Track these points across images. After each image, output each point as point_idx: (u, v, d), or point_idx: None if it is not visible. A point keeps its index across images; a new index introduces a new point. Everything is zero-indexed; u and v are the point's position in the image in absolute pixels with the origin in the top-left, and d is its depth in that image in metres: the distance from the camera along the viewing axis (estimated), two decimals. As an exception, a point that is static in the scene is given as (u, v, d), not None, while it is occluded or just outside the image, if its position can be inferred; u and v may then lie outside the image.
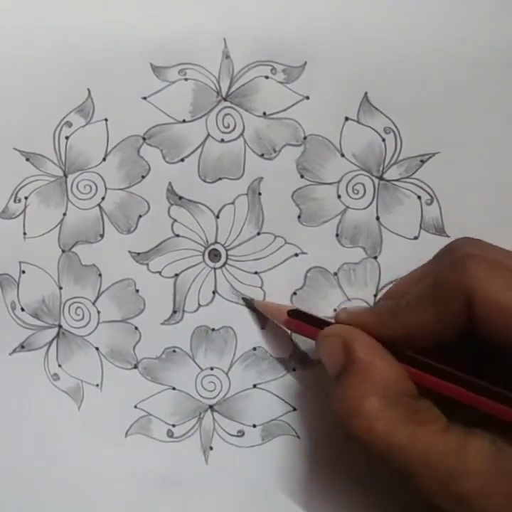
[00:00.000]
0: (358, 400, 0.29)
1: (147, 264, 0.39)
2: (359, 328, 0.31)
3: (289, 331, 0.38)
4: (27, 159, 0.38)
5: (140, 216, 0.38)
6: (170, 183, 0.38)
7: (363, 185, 0.38)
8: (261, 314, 0.38)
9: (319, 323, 0.34)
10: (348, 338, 0.31)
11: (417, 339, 0.30)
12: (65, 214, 0.39)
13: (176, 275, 0.39)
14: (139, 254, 0.39)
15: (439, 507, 0.28)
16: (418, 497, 0.28)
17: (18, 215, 0.39)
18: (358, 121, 0.38)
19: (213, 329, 0.39)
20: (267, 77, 0.38)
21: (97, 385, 0.39)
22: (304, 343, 0.38)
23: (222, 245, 0.38)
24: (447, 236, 0.37)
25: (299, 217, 0.38)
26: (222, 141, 0.38)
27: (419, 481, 0.28)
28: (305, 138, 0.38)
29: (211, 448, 0.39)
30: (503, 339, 0.27)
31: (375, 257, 0.38)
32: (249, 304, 0.39)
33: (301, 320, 0.35)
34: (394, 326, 0.30)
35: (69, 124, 0.38)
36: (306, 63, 0.37)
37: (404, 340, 0.30)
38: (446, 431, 0.28)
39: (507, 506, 0.27)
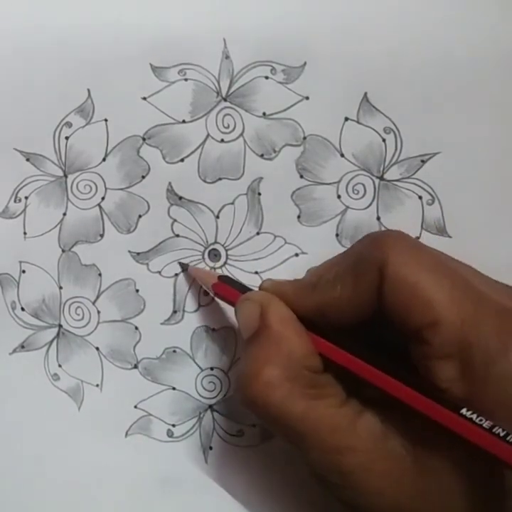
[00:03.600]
0: (260, 365, 0.29)
1: (147, 264, 0.39)
2: (278, 298, 0.31)
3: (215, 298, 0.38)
4: (27, 159, 0.38)
5: (140, 216, 0.38)
6: (170, 183, 0.38)
7: (363, 185, 0.38)
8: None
9: (244, 290, 0.34)
10: (265, 304, 0.31)
11: (331, 314, 0.30)
12: (65, 214, 0.39)
13: (176, 275, 0.39)
14: (138, 254, 0.39)
15: (325, 481, 0.28)
16: (309, 469, 0.29)
17: (19, 215, 0.39)
18: (357, 122, 0.38)
19: (213, 329, 0.39)
20: (266, 78, 0.38)
21: (97, 385, 0.39)
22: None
23: (222, 245, 0.38)
24: (449, 236, 0.37)
25: (298, 217, 0.38)
26: (222, 141, 0.38)
27: (309, 454, 0.28)
28: (305, 138, 0.38)
29: (211, 448, 0.39)
30: (404, 322, 0.27)
31: (375, 257, 0.38)
32: (184, 267, 0.39)
33: (228, 285, 0.35)
34: (311, 299, 0.30)
35: (69, 125, 0.38)
36: (305, 63, 0.37)
37: (319, 314, 0.30)
38: (340, 406, 0.28)
39: (387, 483, 0.27)
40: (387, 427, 0.28)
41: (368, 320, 0.29)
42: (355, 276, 0.29)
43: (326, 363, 0.30)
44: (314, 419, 0.28)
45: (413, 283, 0.27)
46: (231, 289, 0.35)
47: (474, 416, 0.26)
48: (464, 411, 0.26)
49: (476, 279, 0.29)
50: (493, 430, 0.25)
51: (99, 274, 0.39)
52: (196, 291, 0.39)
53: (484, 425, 0.25)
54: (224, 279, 0.36)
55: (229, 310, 0.39)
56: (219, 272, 0.38)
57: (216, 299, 0.38)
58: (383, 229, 0.38)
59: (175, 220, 0.38)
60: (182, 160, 0.38)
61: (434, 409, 0.26)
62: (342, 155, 0.38)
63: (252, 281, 0.38)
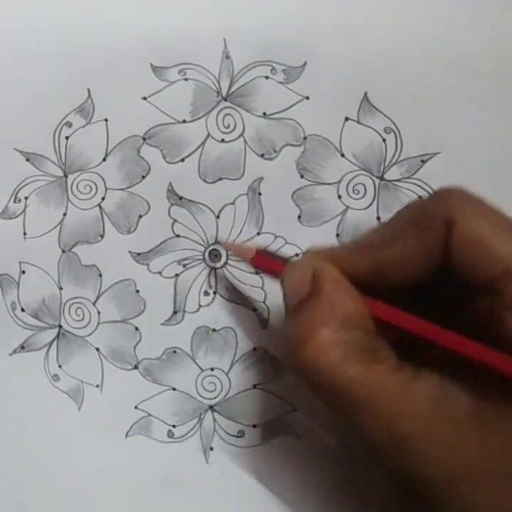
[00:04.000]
0: (314, 327, 0.28)
1: (147, 265, 0.39)
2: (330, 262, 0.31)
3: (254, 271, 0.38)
4: (27, 159, 0.38)
5: (140, 216, 0.38)
6: (170, 183, 0.38)
7: (364, 185, 0.38)
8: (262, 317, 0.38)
9: (285, 260, 0.33)
10: (319, 268, 0.30)
11: (391, 273, 0.29)
12: (65, 214, 0.39)
13: (177, 275, 0.39)
14: (139, 254, 0.39)
15: (379, 449, 0.27)
16: (358, 437, 0.28)
17: (18, 215, 0.39)
18: (358, 122, 0.38)
19: (214, 330, 0.39)
20: (267, 78, 0.38)
21: (98, 386, 0.39)
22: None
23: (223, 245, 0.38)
24: None
25: (299, 217, 0.38)
26: (223, 141, 0.38)
27: (360, 420, 0.27)
28: (305, 138, 0.38)
29: (211, 448, 0.39)
30: (473, 275, 0.27)
31: (376, 257, 0.38)
32: (216, 240, 0.38)
33: (269, 256, 0.34)
34: (368, 259, 0.30)
35: (69, 124, 0.38)
36: (306, 63, 0.37)
37: (376, 275, 0.30)
38: (395, 371, 0.28)
39: (445, 450, 0.26)
40: (445, 391, 0.27)
41: (426, 279, 0.29)
42: (420, 232, 0.28)
43: (379, 329, 0.29)
44: (370, 384, 0.27)
45: (483, 235, 0.27)
46: (273, 260, 0.34)
47: None
48: None
49: None
50: None
51: (100, 275, 0.39)
52: (197, 291, 0.39)
53: None
54: (263, 252, 0.35)
55: (230, 310, 0.39)
56: (253, 245, 0.37)
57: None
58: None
59: (175, 220, 0.38)
60: (182, 160, 0.38)
61: (505, 361, 0.26)
62: (342, 155, 0.38)
63: (253, 282, 0.38)
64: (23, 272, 0.39)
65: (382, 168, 0.38)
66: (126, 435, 0.39)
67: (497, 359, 0.26)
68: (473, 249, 0.27)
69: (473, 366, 0.27)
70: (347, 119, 0.38)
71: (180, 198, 0.38)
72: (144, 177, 0.38)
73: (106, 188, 0.38)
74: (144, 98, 0.38)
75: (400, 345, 0.29)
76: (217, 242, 0.38)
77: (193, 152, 0.38)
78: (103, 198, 0.38)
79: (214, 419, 0.39)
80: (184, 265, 0.39)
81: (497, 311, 0.27)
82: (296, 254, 0.38)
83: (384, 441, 0.27)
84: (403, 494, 0.30)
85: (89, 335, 0.39)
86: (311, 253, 0.32)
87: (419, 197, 0.38)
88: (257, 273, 0.38)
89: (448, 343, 0.27)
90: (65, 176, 0.38)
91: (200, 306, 0.39)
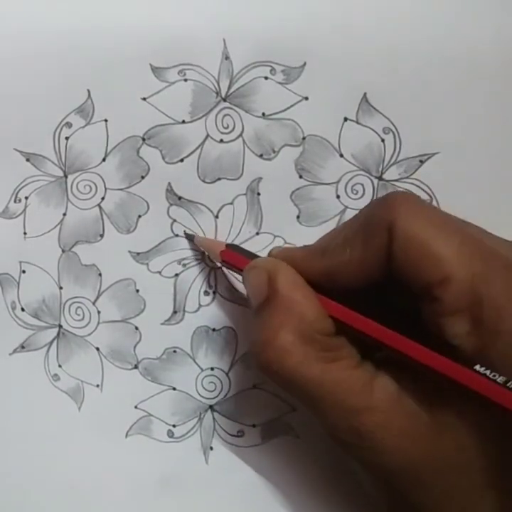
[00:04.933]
0: (273, 331, 0.29)
1: (147, 264, 0.39)
2: (286, 264, 0.31)
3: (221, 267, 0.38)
4: (27, 159, 0.38)
5: (140, 216, 0.39)
6: (169, 183, 0.38)
7: (363, 185, 0.38)
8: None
9: (252, 257, 0.34)
10: (274, 270, 0.30)
11: (341, 278, 0.30)
12: (65, 214, 0.39)
13: (176, 275, 0.39)
14: (138, 254, 0.39)
15: (344, 442, 0.28)
16: (326, 432, 0.29)
17: (19, 215, 0.39)
18: (357, 122, 0.38)
19: (214, 329, 0.39)
20: (266, 78, 0.38)
21: (98, 386, 0.39)
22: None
23: (222, 245, 0.39)
24: None
25: (297, 217, 0.38)
26: (222, 141, 0.38)
27: (325, 416, 0.28)
28: (304, 138, 0.38)
29: (211, 448, 0.39)
30: (414, 280, 0.27)
31: (375, 257, 0.38)
32: (189, 237, 0.38)
33: (236, 252, 0.35)
34: (321, 263, 0.30)
35: (69, 125, 0.38)
36: (305, 64, 0.37)
37: (329, 279, 0.30)
38: (355, 368, 0.29)
39: (404, 442, 0.27)
40: (401, 386, 0.28)
41: (377, 282, 0.29)
42: (364, 238, 0.29)
43: (337, 327, 0.30)
44: (330, 381, 0.28)
45: (422, 240, 0.27)
46: (239, 256, 0.34)
47: (488, 372, 0.26)
48: (477, 367, 0.26)
49: (484, 236, 0.29)
50: (508, 385, 0.25)
51: (99, 274, 0.39)
52: (196, 291, 0.39)
53: (498, 380, 0.26)
54: (232, 247, 0.35)
55: (230, 310, 0.39)
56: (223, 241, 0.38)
57: (224, 270, 0.38)
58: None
59: (174, 220, 0.38)
60: (181, 160, 0.38)
61: (448, 366, 0.27)
62: (341, 155, 0.38)
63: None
64: (24, 272, 0.39)
65: (380, 169, 0.38)
66: (126, 435, 0.39)
67: (440, 363, 0.27)
68: (413, 254, 0.27)
69: (421, 368, 0.27)
70: (346, 119, 0.38)
71: (180, 198, 0.38)
72: (143, 177, 0.38)
73: (105, 188, 0.38)
74: (144, 99, 0.38)
75: (360, 343, 0.30)
76: (189, 235, 0.38)
77: (192, 152, 0.38)
78: (103, 198, 0.39)
79: (214, 419, 0.39)
80: (184, 265, 0.39)
81: (436, 317, 0.27)
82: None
83: (348, 435, 0.28)
84: (371, 485, 0.31)
85: (89, 334, 0.39)
86: (270, 254, 0.34)
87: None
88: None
89: (396, 346, 0.28)
90: (65, 176, 0.38)
91: (200, 305, 0.39)
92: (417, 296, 0.28)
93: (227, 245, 0.35)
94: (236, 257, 0.34)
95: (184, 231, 0.39)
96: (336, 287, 0.30)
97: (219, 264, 0.38)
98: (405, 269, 0.28)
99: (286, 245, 0.34)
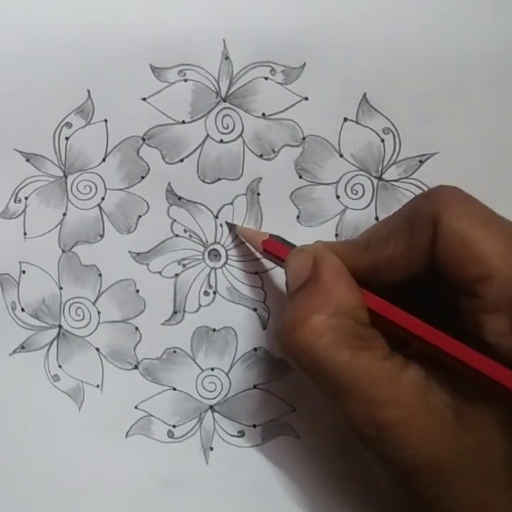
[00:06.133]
0: (308, 312, 0.29)
1: (147, 265, 0.39)
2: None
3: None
4: (27, 160, 0.38)
5: (140, 216, 0.39)
6: (169, 183, 0.38)
7: (362, 185, 0.38)
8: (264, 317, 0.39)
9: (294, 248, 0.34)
10: (320, 255, 0.31)
11: (384, 272, 0.30)
12: (65, 214, 0.39)
13: (176, 275, 0.39)
14: (138, 254, 0.39)
15: (363, 434, 0.28)
16: (345, 422, 0.29)
17: (19, 216, 0.39)
18: (356, 122, 0.38)
19: (214, 330, 0.39)
20: (266, 78, 0.38)
21: (98, 386, 0.39)
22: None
23: (222, 245, 0.38)
24: None
25: (297, 217, 0.38)
26: (222, 141, 0.38)
27: (347, 404, 0.28)
28: (304, 138, 0.38)
29: (211, 448, 0.39)
30: (456, 276, 0.28)
31: (375, 257, 0.38)
32: (231, 226, 0.38)
33: (279, 242, 0.35)
34: (364, 258, 0.30)
35: (69, 125, 0.38)
36: (305, 64, 0.37)
37: (372, 273, 0.30)
38: (384, 359, 0.28)
39: (425, 438, 0.27)
40: (429, 382, 0.28)
41: (419, 277, 0.29)
42: (409, 232, 0.29)
43: (372, 320, 0.30)
44: (357, 369, 0.28)
45: (466, 236, 0.27)
46: (282, 246, 0.34)
47: None
48: None
49: None
50: None
51: (100, 275, 0.39)
52: (196, 291, 0.39)
53: None
54: (275, 237, 0.35)
55: (230, 310, 0.39)
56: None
57: (263, 257, 0.38)
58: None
59: (174, 221, 0.38)
60: (181, 160, 0.38)
61: (483, 362, 0.27)
62: (341, 155, 0.38)
63: (253, 282, 0.38)
64: (24, 272, 0.39)
65: (380, 169, 0.38)
66: (127, 435, 0.40)
67: (476, 360, 0.27)
68: (457, 249, 0.27)
69: (453, 364, 0.27)
70: (346, 119, 0.38)
71: (180, 198, 0.38)
72: (143, 177, 0.38)
73: (105, 189, 0.38)
74: (144, 99, 0.38)
75: (391, 336, 0.30)
76: (230, 225, 0.38)
77: (192, 152, 0.38)
78: (103, 198, 0.39)
79: (214, 419, 0.39)
80: (184, 265, 0.39)
81: (476, 314, 0.27)
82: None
83: (369, 426, 0.28)
84: (388, 480, 0.30)
85: (90, 335, 0.39)
86: (317, 242, 0.33)
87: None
88: (256, 272, 0.38)
89: (433, 341, 0.28)
90: (65, 176, 0.39)
91: (200, 306, 0.39)
92: (457, 292, 0.28)
93: (271, 235, 0.35)
94: (279, 246, 0.35)
95: (225, 221, 0.38)
96: (378, 281, 0.30)
97: (259, 255, 0.38)
98: (448, 264, 0.28)
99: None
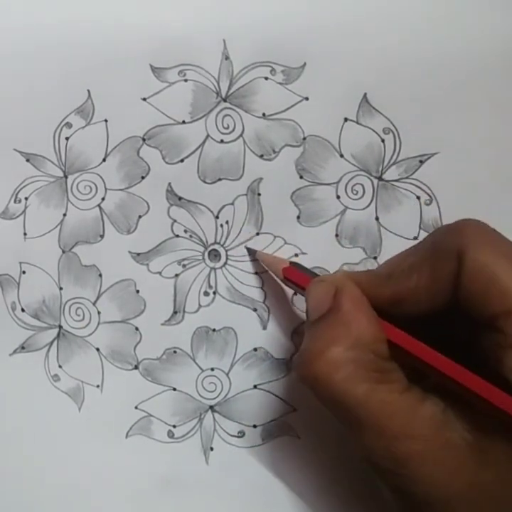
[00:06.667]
0: (327, 343, 0.28)
1: (147, 265, 0.39)
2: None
3: (283, 286, 0.38)
4: (27, 160, 0.38)
5: (140, 216, 0.38)
6: (169, 183, 0.38)
7: (363, 185, 0.38)
8: (265, 316, 0.39)
9: (314, 276, 0.34)
10: (340, 286, 0.30)
11: (406, 304, 0.30)
12: (65, 214, 0.39)
13: (176, 275, 0.39)
14: (139, 254, 0.39)
15: (378, 467, 0.28)
16: (361, 454, 0.29)
17: (19, 216, 0.39)
18: (357, 122, 0.38)
19: (214, 330, 0.39)
20: (266, 78, 0.38)
21: (98, 386, 0.39)
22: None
23: (222, 246, 0.38)
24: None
25: (298, 217, 0.38)
26: (222, 141, 0.38)
27: (364, 438, 0.28)
28: (304, 139, 0.38)
29: (212, 448, 0.39)
30: (479, 310, 0.27)
31: (375, 258, 0.38)
32: (251, 252, 0.38)
33: (299, 270, 0.35)
34: (386, 289, 0.30)
35: (69, 125, 0.38)
36: (305, 64, 0.37)
37: (393, 304, 0.30)
38: (403, 393, 0.28)
39: (442, 473, 0.27)
40: (447, 416, 0.28)
41: (441, 310, 0.29)
42: (433, 265, 0.29)
43: (391, 351, 0.29)
44: (375, 402, 0.28)
45: (492, 270, 0.27)
46: (302, 274, 0.34)
47: None
48: None
49: None
50: None
51: (100, 275, 0.39)
52: (196, 291, 0.39)
53: None
54: (295, 265, 0.35)
55: (230, 310, 0.39)
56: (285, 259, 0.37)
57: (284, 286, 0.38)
58: (383, 229, 0.38)
59: (175, 221, 0.38)
60: (182, 160, 0.38)
61: (504, 398, 0.26)
62: (341, 155, 0.38)
63: (253, 282, 0.38)
64: (24, 272, 0.39)
65: (380, 169, 0.38)
66: (127, 435, 0.39)
67: (495, 396, 0.27)
68: (482, 284, 0.27)
69: (473, 399, 0.27)
70: (346, 119, 0.38)
71: (180, 198, 0.38)
72: (143, 177, 0.38)
73: (106, 189, 0.38)
74: (144, 99, 0.38)
75: (409, 368, 0.29)
76: (250, 251, 0.38)
77: (192, 153, 0.38)
78: (103, 199, 0.39)
79: (214, 420, 0.39)
80: (184, 265, 0.39)
81: (498, 349, 0.27)
82: (295, 255, 0.38)
83: (386, 460, 0.27)
84: (400, 509, 0.30)
85: (90, 335, 0.39)
86: (339, 272, 0.33)
87: (418, 198, 0.38)
88: (256, 273, 0.38)
89: (453, 375, 0.28)
90: (65, 176, 0.38)
91: (200, 306, 0.39)
92: (480, 326, 0.28)
93: (291, 263, 0.35)
94: (299, 274, 0.35)
95: (245, 246, 0.39)
96: (398, 313, 0.30)
97: (280, 281, 0.38)
98: (472, 298, 0.27)
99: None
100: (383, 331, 0.29)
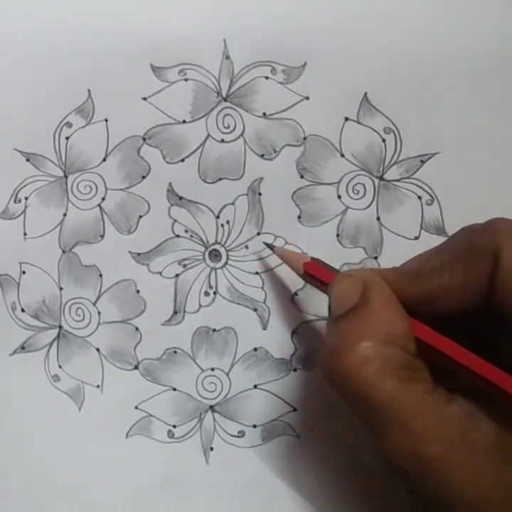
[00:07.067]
0: (356, 338, 0.28)
1: (148, 265, 0.39)
2: None
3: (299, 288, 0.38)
4: (27, 160, 0.38)
5: (140, 216, 0.38)
6: (170, 183, 0.38)
7: (363, 185, 0.38)
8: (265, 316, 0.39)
9: (336, 272, 0.34)
10: (370, 281, 0.30)
11: (437, 302, 0.29)
12: (65, 214, 0.39)
13: (177, 275, 0.39)
14: (139, 254, 0.39)
15: (400, 468, 0.27)
16: (383, 454, 0.28)
17: (19, 216, 0.39)
18: (357, 122, 0.38)
19: (214, 330, 0.39)
20: (267, 78, 0.38)
21: (98, 386, 0.39)
22: (305, 343, 0.38)
23: (223, 246, 0.38)
24: (448, 236, 0.37)
25: (299, 217, 0.38)
26: (223, 141, 0.38)
27: (388, 436, 0.27)
28: (305, 138, 0.38)
29: (212, 448, 0.39)
30: None
31: (376, 258, 0.38)
32: (270, 246, 0.38)
33: (320, 265, 0.35)
34: (415, 286, 0.30)
35: (69, 125, 0.38)
36: (306, 64, 0.37)
37: (422, 302, 0.30)
38: (429, 393, 0.28)
39: (468, 475, 0.27)
40: (473, 418, 0.28)
41: (472, 309, 0.29)
42: (467, 263, 0.28)
43: (419, 350, 0.29)
44: (401, 400, 0.27)
45: None
46: (324, 269, 0.34)
47: None
48: None
49: None
50: None
51: (100, 275, 0.39)
52: (197, 291, 0.39)
53: None
54: (316, 260, 0.35)
55: (230, 310, 0.39)
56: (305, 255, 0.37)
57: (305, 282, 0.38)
58: (384, 229, 0.38)
59: (175, 221, 0.38)
60: (182, 160, 0.38)
61: None
62: (342, 155, 0.38)
63: (253, 282, 0.38)
64: (24, 273, 0.39)
65: (381, 168, 0.38)
66: (127, 435, 0.39)
67: None
68: None
69: (502, 397, 0.27)
70: (347, 119, 0.38)
71: (180, 198, 0.38)
72: (144, 177, 0.38)
73: (106, 189, 0.38)
74: (144, 98, 0.38)
75: (435, 368, 0.29)
76: (269, 246, 0.38)
77: (193, 152, 0.38)
78: (103, 198, 0.38)
79: (214, 420, 0.39)
80: (184, 265, 0.39)
81: None
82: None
83: (408, 461, 0.27)
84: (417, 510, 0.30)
85: (90, 335, 0.39)
86: (365, 268, 0.33)
87: (419, 197, 0.38)
88: (256, 273, 0.38)
89: (484, 374, 0.27)
90: (65, 176, 0.38)
91: (200, 306, 0.39)
92: None
93: (312, 258, 0.35)
94: (321, 269, 0.34)
95: (263, 242, 0.38)
96: (428, 311, 0.30)
97: (299, 276, 0.37)
98: (507, 297, 0.27)
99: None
100: (412, 328, 0.29)
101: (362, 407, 0.28)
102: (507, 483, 0.27)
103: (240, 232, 0.38)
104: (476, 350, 0.28)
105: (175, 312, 0.39)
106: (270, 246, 0.38)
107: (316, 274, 0.34)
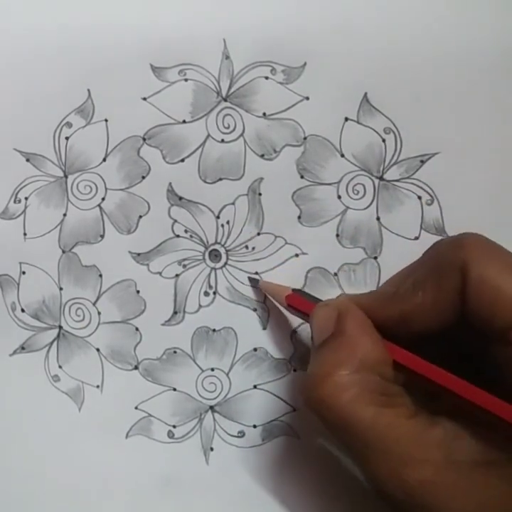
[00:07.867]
0: (332, 366, 0.28)
1: (148, 265, 0.39)
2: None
3: (287, 315, 0.38)
4: (27, 160, 0.38)
5: (140, 216, 0.38)
6: (170, 183, 0.38)
7: (363, 185, 0.38)
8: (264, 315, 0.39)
9: (317, 302, 0.34)
10: (344, 310, 0.30)
11: (413, 322, 0.29)
12: (65, 214, 0.39)
13: (177, 276, 0.39)
14: (139, 254, 0.39)
15: (391, 497, 0.27)
16: (368, 480, 0.28)
17: (19, 216, 0.39)
18: (357, 122, 0.38)
19: (214, 330, 0.39)
20: (266, 78, 0.38)
21: (98, 386, 0.39)
22: (304, 343, 0.38)
23: (223, 246, 0.38)
24: (448, 236, 0.38)
25: (299, 217, 0.38)
26: (223, 141, 0.38)
27: (371, 463, 0.27)
28: (305, 138, 0.38)
29: (212, 449, 0.39)
30: (488, 324, 0.27)
31: (375, 258, 0.38)
32: (254, 283, 0.39)
33: (302, 297, 0.35)
34: (390, 308, 0.30)
35: (69, 125, 0.38)
36: (305, 64, 0.37)
37: (399, 323, 0.30)
38: (410, 417, 0.28)
39: (454, 496, 0.27)
40: (456, 438, 0.27)
41: (448, 326, 0.29)
42: (437, 280, 0.28)
43: (397, 376, 0.29)
44: (382, 427, 0.27)
45: (498, 282, 0.27)
46: (305, 300, 0.35)
47: None
48: None
49: None
50: None
51: (100, 275, 0.39)
52: (197, 291, 0.39)
53: None
54: (298, 292, 0.35)
55: (230, 311, 0.39)
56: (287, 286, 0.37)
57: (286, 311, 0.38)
58: (384, 229, 0.38)
59: (175, 221, 0.38)
60: (182, 160, 0.38)
61: None
62: (342, 155, 0.38)
63: (253, 282, 0.38)
64: (24, 273, 0.39)
65: (381, 169, 0.38)
66: (127, 435, 0.39)
67: (505, 410, 0.26)
68: (489, 296, 0.27)
69: (484, 415, 0.27)
70: (347, 119, 0.38)
71: (180, 198, 0.38)
72: (143, 177, 0.38)
73: (106, 189, 0.38)
74: (144, 98, 0.38)
75: (416, 391, 0.29)
76: (253, 280, 0.38)
77: (193, 152, 0.38)
78: (103, 199, 0.38)
79: (214, 420, 0.39)
80: (184, 265, 0.39)
81: (509, 362, 0.27)
82: (296, 255, 0.38)
83: (394, 487, 0.27)
84: None
85: (90, 335, 0.39)
86: (340, 298, 0.33)
87: (419, 197, 0.38)
88: (256, 273, 0.38)
89: (461, 393, 0.27)
90: (65, 176, 0.38)
91: (200, 306, 0.39)
92: (489, 340, 0.28)
93: (293, 290, 0.36)
94: (302, 301, 0.35)
95: (248, 276, 0.39)
96: (405, 332, 0.30)
97: (283, 309, 0.38)
98: (480, 312, 0.27)
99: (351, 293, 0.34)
100: (389, 352, 0.29)
101: (344, 435, 0.28)
102: (494, 500, 0.27)
103: (240, 232, 0.38)
104: (455, 366, 0.28)
105: (175, 312, 0.39)
106: (254, 280, 0.38)
107: (298, 306, 0.35)
